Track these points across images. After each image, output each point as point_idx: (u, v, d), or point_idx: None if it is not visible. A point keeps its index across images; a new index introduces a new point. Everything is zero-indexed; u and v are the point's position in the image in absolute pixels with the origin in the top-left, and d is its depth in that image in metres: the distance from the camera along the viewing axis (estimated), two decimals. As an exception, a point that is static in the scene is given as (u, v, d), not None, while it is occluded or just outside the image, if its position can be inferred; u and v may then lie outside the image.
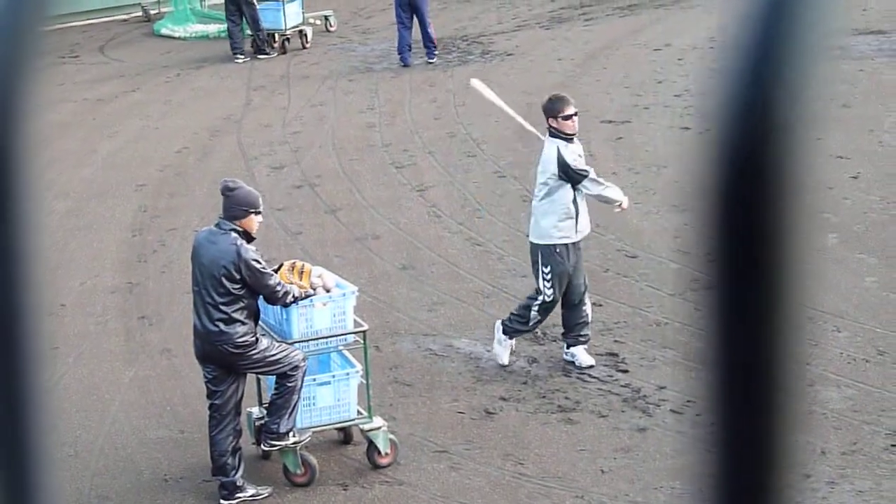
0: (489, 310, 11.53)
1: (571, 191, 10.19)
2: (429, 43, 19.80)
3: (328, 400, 9.25)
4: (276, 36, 21.10)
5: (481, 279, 12.12)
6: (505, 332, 10.56)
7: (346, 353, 9.56)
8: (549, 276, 10.32)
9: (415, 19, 19.61)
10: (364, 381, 9.32)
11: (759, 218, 0.92)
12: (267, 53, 20.86)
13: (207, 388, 8.94)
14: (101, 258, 13.16)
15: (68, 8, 20.99)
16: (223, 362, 8.81)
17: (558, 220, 10.24)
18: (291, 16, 21.15)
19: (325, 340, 9.30)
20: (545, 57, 20.04)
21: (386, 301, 11.82)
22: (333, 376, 9.32)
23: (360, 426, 9.36)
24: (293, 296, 8.97)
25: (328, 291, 9.35)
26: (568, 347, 10.58)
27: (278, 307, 9.17)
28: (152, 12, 23.96)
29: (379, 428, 9.27)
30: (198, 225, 12.86)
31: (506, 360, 10.56)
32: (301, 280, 9.29)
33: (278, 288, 8.84)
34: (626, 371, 10.44)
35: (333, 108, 18.03)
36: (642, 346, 10.79)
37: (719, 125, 0.92)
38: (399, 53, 19.91)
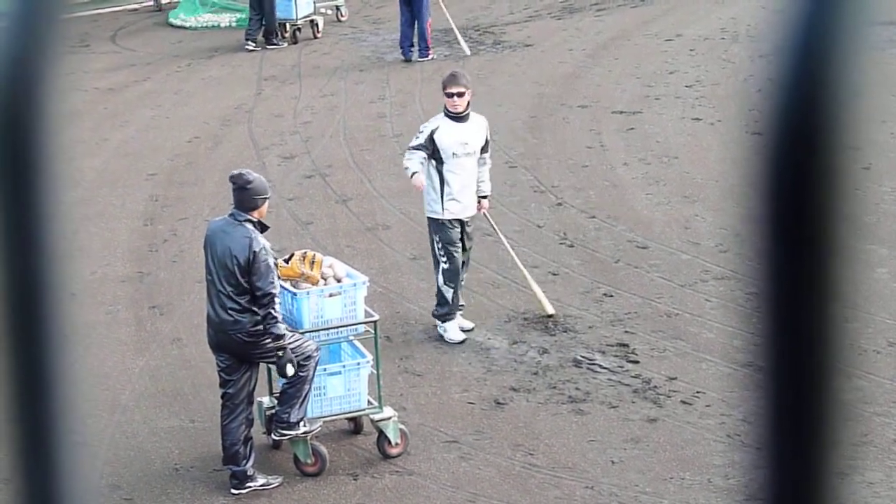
0: (499, 300, 11.53)
1: (434, 169, 10.73)
2: (421, 41, 19.59)
3: (339, 390, 9.26)
4: (288, 26, 21.09)
5: (492, 269, 12.11)
6: (440, 320, 10.89)
7: (356, 342, 9.57)
8: (440, 246, 10.82)
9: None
10: (374, 371, 9.33)
11: (809, 220, 0.93)
12: (276, 44, 20.85)
13: (220, 377, 8.95)
14: (112, 247, 13.17)
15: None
16: (236, 351, 8.82)
17: (428, 195, 10.85)
18: (303, 5, 21.13)
19: (335, 330, 9.31)
20: (556, 47, 20.01)
21: (396, 291, 11.82)
22: (344, 366, 9.32)
23: (371, 416, 9.36)
24: (281, 328, 8.73)
25: (339, 281, 9.36)
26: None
27: (288, 296, 9.18)
28: (163, 1, 23.96)
29: (389, 418, 9.27)
30: (208, 214, 12.87)
31: (460, 337, 10.84)
32: (312, 270, 9.30)
33: (273, 292, 8.68)
34: (636, 362, 10.43)
35: (344, 98, 18.02)
36: (653, 337, 10.78)
37: (770, 128, 0.92)
38: (400, 47, 19.80)
